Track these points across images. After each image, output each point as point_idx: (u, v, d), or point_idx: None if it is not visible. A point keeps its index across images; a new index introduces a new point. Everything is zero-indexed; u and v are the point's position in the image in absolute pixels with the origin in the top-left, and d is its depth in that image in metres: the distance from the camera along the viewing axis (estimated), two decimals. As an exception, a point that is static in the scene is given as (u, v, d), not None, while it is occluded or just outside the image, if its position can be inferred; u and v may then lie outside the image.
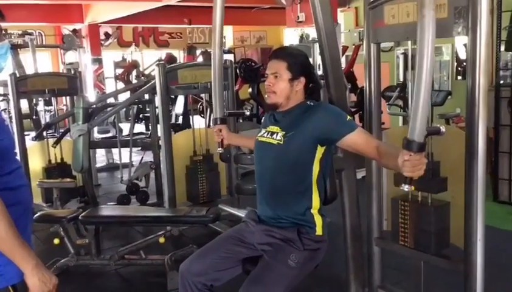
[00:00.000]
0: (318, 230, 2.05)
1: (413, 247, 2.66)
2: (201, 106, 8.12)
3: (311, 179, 2.06)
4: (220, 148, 2.50)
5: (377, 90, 2.84)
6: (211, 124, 7.50)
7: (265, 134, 2.14)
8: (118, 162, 5.39)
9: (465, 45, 2.35)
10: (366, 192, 2.89)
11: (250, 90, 6.26)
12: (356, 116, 8.02)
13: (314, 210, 2.08)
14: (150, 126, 5.32)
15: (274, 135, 2.08)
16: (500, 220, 4.20)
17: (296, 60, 2.09)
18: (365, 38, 2.80)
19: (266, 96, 2.11)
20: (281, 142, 2.04)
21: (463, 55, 8.23)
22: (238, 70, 6.53)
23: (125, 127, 9.19)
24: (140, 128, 9.71)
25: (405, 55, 8.23)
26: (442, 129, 2.08)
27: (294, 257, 1.96)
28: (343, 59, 8.60)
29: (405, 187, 1.61)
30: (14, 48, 6.14)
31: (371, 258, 2.94)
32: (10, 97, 4.85)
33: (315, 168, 2.05)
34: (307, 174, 2.05)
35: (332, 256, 2.68)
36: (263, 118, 2.34)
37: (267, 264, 1.97)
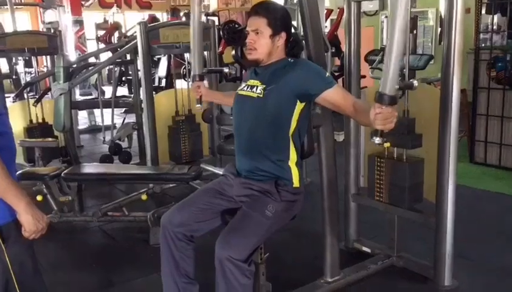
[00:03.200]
0: (295, 182, 2.10)
1: (387, 202, 2.76)
2: (184, 70, 8.06)
3: (288, 134, 2.09)
4: (199, 105, 2.55)
5: (356, 47, 2.88)
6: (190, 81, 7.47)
7: (245, 88, 2.16)
8: (101, 124, 5.37)
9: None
10: (344, 149, 2.97)
11: (233, 52, 6.21)
12: (340, 80, 8.07)
13: (292, 163, 2.12)
14: (133, 89, 5.28)
15: (254, 89, 2.11)
16: (474, 180, 4.33)
17: (276, 15, 2.09)
18: (346, -2, 2.82)
19: (247, 52, 2.11)
20: (261, 95, 2.06)
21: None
22: (221, 32, 6.47)
23: (108, 90, 9.11)
24: (123, 91, 9.62)
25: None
26: (415, 83, 2.13)
27: (271, 207, 2.01)
28: (327, 23, 8.57)
29: (377, 140, 1.64)
30: (-8, 6, 6.00)
31: (348, 213, 3.05)
32: (-11, 55, 4.77)
33: (293, 123, 2.08)
34: (284, 129, 2.08)
35: (311, 213, 2.77)
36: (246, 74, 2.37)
37: (245, 213, 2.02)
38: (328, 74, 2.07)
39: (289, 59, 2.13)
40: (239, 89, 2.21)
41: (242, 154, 2.18)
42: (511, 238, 3.25)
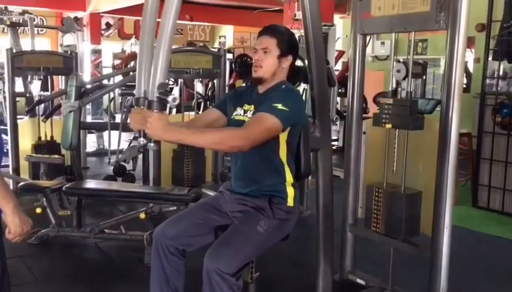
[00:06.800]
0: (290, 201, 2.11)
1: (383, 233, 2.74)
2: (196, 102, 8.17)
3: (280, 158, 2.11)
4: (143, 139, 1.87)
5: (360, 80, 2.93)
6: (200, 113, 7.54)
7: (241, 113, 2.18)
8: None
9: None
10: (344, 179, 2.98)
11: (244, 85, 6.31)
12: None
13: (287, 184, 2.14)
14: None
15: (247, 113, 2.14)
16: (476, 223, 4.29)
17: (286, 38, 2.15)
18: (352, 29, 2.90)
19: (253, 70, 2.15)
20: None
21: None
22: (233, 65, 6.61)
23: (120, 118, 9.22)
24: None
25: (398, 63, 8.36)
26: None
27: (263, 223, 2.02)
28: (338, 65, 8.72)
29: (150, 146, 1.86)
30: (13, 26, 6.18)
31: (344, 244, 3.02)
32: (5, 71, 4.89)
33: (282, 147, 2.09)
34: (274, 153, 2.09)
35: (308, 244, 2.76)
36: (234, 93, 2.34)
37: (237, 228, 2.03)
38: (279, 107, 1.97)
39: (283, 86, 2.15)
40: (234, 113, 2.21)
41: (239, 179, 2.20)
42: (506, 281, 3.22)
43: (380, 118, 2.67)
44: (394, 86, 2.88)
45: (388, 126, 2.61)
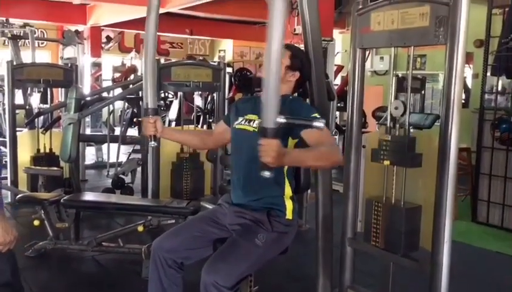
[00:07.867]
0: (288, 214, 2.11)
1: (383, 248, 2.72)
2: (195, 115, 8.19)
3: (283, 170, 2.10)
4: (153, 142, 2.26)
5: (359, 94, 2.93)
6: (199, 126, 7.57)
7: (242, 122, 2.19)
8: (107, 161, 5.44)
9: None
10: (343, 193, 2.96)
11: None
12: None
13: (286, 197, 2.14)
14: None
15: (251, 123, 2.15)
16: (475, 238, 4.28)
17: (299, 55, 2.23)
18: (351, 44, 2.90)
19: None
20: (256, 130, 2.09)
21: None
22: (233, 78, 6.64)
23: (119, 130, 9.23)
24: (133, 132, 9.75)
25: (397, 77, 8.42)
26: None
27: (261, 236, 2.01)
28: (337, 80, 8.77)
29: (265, 173, 1.64)
30: (14, 38, 6.22)
31: (344, 258, 3.00)
32: (5, 83, 4.91)
33: None
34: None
35: (307, 259, 2.74)
36: (236, 104, 2.36)
37: (235, 241, 2.02)
38: (315, 114, 2.06)
39: (290, 97, 2.18)
40: (236, 123, 2.23)
41: (238, 188, 2.19)
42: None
43: (378, 154, 2.69)
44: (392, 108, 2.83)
45: (387, 163, 2.62)
